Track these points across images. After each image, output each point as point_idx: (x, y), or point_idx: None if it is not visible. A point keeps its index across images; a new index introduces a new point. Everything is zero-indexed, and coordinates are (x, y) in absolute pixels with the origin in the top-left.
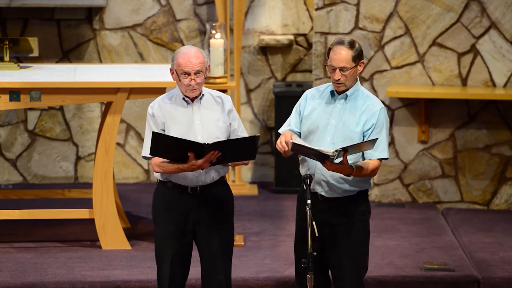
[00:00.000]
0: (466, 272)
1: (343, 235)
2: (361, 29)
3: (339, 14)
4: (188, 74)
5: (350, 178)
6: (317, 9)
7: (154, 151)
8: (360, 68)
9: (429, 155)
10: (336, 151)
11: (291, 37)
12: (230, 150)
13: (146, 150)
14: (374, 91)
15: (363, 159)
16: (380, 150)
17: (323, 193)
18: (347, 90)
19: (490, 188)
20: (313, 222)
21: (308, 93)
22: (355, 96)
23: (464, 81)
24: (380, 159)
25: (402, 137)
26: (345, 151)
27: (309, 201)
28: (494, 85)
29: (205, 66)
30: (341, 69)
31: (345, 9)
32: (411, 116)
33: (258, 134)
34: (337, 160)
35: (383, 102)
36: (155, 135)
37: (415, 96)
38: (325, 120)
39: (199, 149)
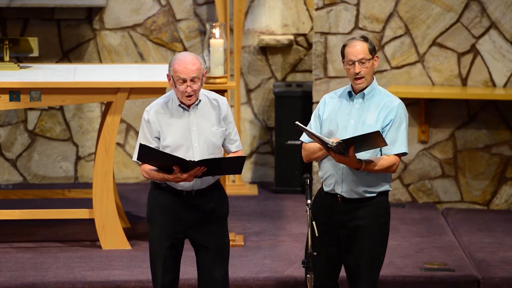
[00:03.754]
0: (466, 272)
1: (362, 237)
2: (361, 29)
3: (339, 14)
4: (184, 80)
5: (370, 177)
6: (317, 9)
7: (141, 159)
8: (376, 63)
9: (429, 155)
10: (334, 142)
11: (291, 37)
12: (216, 167)
13: (136, 155)
14: None
15: (382, 154)
16: (398, 146)
17: (343, 194)
18: (365, 88)
19: (490, 188)
20: (313, 222)
21: (326, 97)
22: (373, 94)
23: (464, 81)
24: (399, 155)
25: None
26: (349, 144)
27: (309, 201)
28: (494, 85)
29: (202, 72)
30: (360, 61)
31: (345, 9)
32: (411, 116)
33: (245, 155)
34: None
35: None
36: (142, 147)
37: (415, 96)
38: (344, 121)
39: (185, 164)
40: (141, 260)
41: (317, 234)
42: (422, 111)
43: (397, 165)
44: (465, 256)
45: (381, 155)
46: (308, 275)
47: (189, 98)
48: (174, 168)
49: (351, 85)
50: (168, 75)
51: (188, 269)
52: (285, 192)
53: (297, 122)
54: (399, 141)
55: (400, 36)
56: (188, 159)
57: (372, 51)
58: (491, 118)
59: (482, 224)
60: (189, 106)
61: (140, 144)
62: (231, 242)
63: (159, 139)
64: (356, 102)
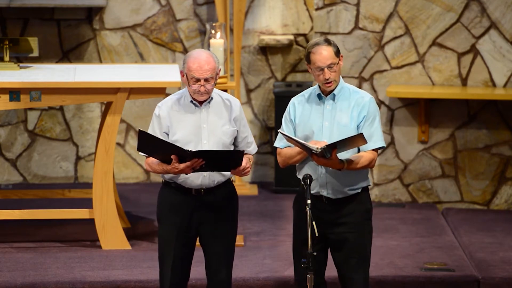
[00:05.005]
0: (466, 272)
1: (350, 234)
2: (361, 29)
3: (339, 14)
4: (198, 80)
5: (352, 175)
6: (317, 9)
7: (141, 148)
8: (341, 63)
9: (429, 155)
10: (319, 148)
11: (291, 37)
12: (214, 160)
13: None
14: (374, 91)
15: (359, 151)
16: (374, 141)
17: (329, 196)
18: (334, 89)
19: (490, 188)
20: (313, 222)
21: (294, 100)
22: (342, 93)
23: (464, 81)
24: (376, 150)
25: (402, 137)
26: (333, 148)
27: (309, 201)
28: (494, 85)
29: (216, 71)
30: (329, 66)
31: (345, 9)
32: (411, 116)
33: (243, 150)
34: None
35: (382, 102)
36: (141, 133)
37: (415, 96)
38: (318, 124)
39: (182, 154)
40: (141, 260)
41: (317, 234)
42: (422, 111)
43: (376, 159)
44: (465, 256)
45: (358, 152)
46: (308, 275)
47: (201, 95)
48: (172, 157)
49: (319, 86)
50: (181, 72)
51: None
52: (285, 192)
53: (280, 130)
54: (374, 136)
55: (400, 36)
56: (186, 149)
57: (338, 53)
58: (491, 118)
59: (482, 224)
60: (200, 103)
61: (139, 130)
62: None
63: (167, 135)
64: (327, 104)
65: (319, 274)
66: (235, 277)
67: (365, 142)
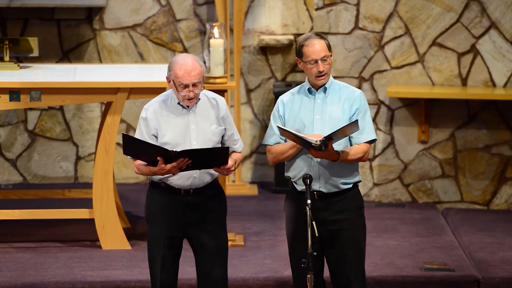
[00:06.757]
0: (466, 272)
1: (344, 231)
2: (361, 29)
3: (339, 14)
4: (186, 86)
5: (344, 168)
6: (317, 9)
7: (127, 152)
8: (332, 58)
9: (429, 155)
10: (318, 140)
11: (291, 37)
12: (200, 158)
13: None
14: (374, 91)
15: (351, 145)
16: (367, 133)
17: (321, 189)
18: (325, 83)
19: (490, 188)
20: (313, 222)
21: (283, 97)
22: (333, 87)
23: (464, 81)
24: (368, 142)
25: (402, 137)
26: (329, 139)
27: (309, 201)
28: (494, 85)
29: (203, 75)
30: (323, 59)
31: (345, 9)
32: (411, 116)
33: (228, 146)
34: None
35: (382, 102)
36: (125, 137)
37: (415, 96)
38: (309, 118)
39: (168, 155)
40: (141, 260)
41: (317, 234)
42: (422, 111)
43: (368, 152)
44: (465, 256)
45: (351, 145)
46: (308, 275)
47: (190, 100)
48: (158, 159)
49: (309, 81)
50: (168, 78)
51: (188, 269)
52: (285, 192)
53: (278, 125)
54: (367, 128)
55: (400, 36)
56: (170, 149)
57: (329, 47)
58: (491, 118)
59: (482, 224)
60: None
61: (123, 134)
62: (231, 242)
63: (156, 137)
64: (318, 98)
65: (319, 275)
66: (235, 277)
67: (358, 129)
